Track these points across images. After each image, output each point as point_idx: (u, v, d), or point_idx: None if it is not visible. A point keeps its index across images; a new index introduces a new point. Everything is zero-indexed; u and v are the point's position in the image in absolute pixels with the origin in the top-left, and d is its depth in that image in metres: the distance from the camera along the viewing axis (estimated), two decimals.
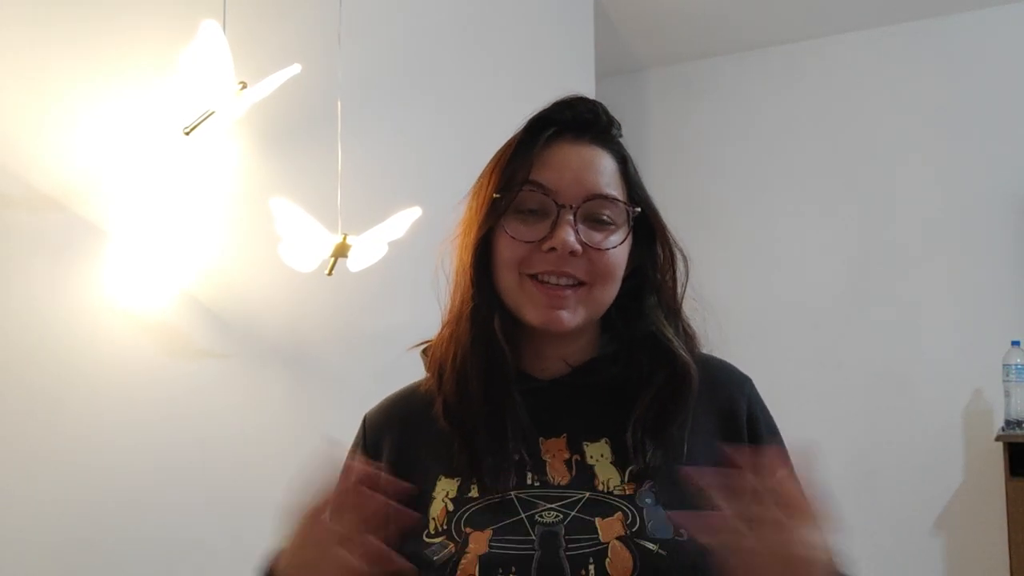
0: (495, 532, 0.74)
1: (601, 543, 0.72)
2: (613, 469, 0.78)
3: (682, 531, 0.72)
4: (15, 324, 1.25)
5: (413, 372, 1.30)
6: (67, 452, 1.31)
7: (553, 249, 0.78)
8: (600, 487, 0.76)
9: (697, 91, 3.82)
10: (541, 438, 0.80)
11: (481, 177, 0.86)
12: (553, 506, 0.75)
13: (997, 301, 3.21)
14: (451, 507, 0.77)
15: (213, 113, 1.31)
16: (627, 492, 0.76)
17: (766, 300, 3.48)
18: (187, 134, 1.31)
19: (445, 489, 0.79)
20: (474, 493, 0.77)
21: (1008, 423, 2.96)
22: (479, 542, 0.73)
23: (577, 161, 0.82)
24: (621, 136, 0.87)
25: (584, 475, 0.77)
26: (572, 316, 0.80)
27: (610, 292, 0.82)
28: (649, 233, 0.85)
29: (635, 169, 0.86)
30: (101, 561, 1.34)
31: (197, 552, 1.50)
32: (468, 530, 0.75)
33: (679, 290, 0.87)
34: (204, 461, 1.52)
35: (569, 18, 3.05)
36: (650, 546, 0.72)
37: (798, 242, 3.52)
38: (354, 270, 1.54)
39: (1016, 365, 2.98)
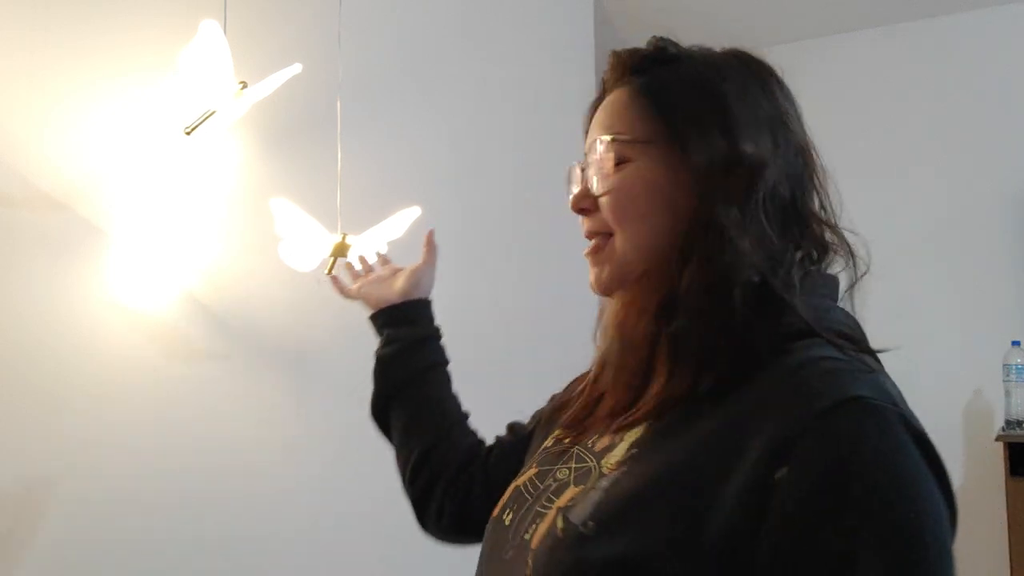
0: (537, 473, 0.76)
1: (553, 508, 0.69)
2: (624, 450, 0.68)
3: (589, 523, 0.62)
4: (16, 324, 1.25)
5: None
6: (67, 451, 1.31)
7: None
8: (603, 461, 0.69)
9: None
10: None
11: None
12: (572, 465, 0.72)
13: (997, 301, 3.22)
14: (550, 443, 0.80)
15: (213, 113, 1.31)
16: (605, 471, 0.67)
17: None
18: (188, 134, 1.31)
19: (556, 432, 0.81)
20: (568, 437, 0.78)
21: (1008, 423, 2.97)
22: (526, 476, 0.77)
23: (598, 117, 0.77)
24: (663, 55, 0.74)
25: (610, 448, 0.71)
26: (599, 273, 0.74)
27: (634, 233, 0.71)
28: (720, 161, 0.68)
29: (682, 83, 0.71)
30: (100, 561, 1.34)
31: (196, 551, 1.50)
32: (533, 464, 0.78)
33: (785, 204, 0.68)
34: (204, 460, 1.52)
35: (569, 18, 3.05)
36: (560, 524, 0.65)
37: None
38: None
39: (1016, 365, 2.98)
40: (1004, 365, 3.02)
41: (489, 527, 0.77)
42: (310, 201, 1.47)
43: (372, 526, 1.89)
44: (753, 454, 0.56)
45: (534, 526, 0.68)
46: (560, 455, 0.75)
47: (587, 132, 0.79)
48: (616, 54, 0.77)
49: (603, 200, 0.73)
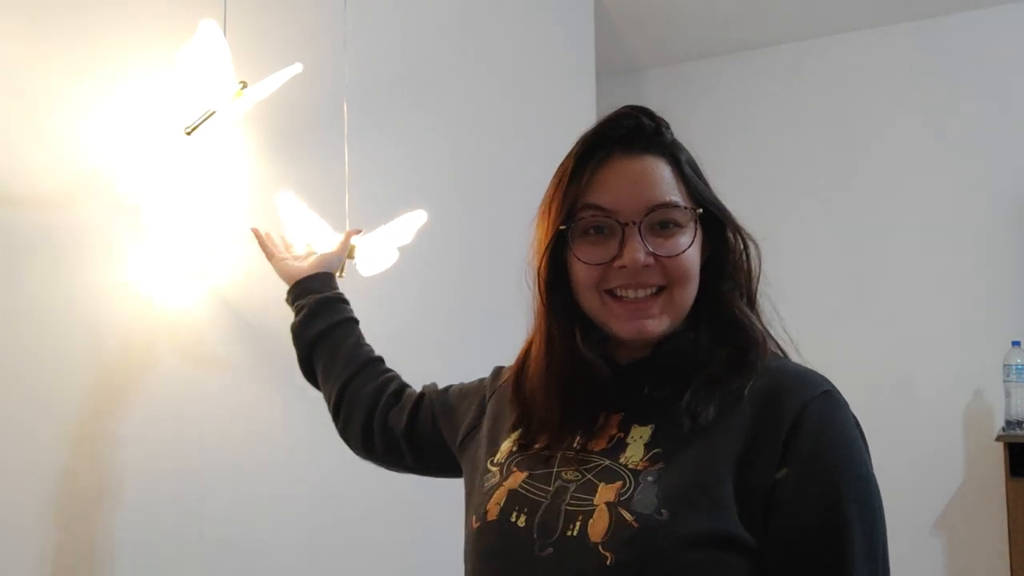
0: (529, 476, 0.84)
1: (593, 505, 0.77)
2: (643, 449, 0.81)
3: (663, 511, 0.75)
4: (17, 323, 1.25)
5: (415, 371, 1.30)
6: (70, 453, 1.31)
7: (625, 267, 0.82)
8: (622, 460, 0.80)
9: (697, 91, 3.82)
10: (604, 412, 0.86)
11: (542, 204, 0.90)
12: (576, 467, 0.82)
13: (997, 301, 3.22)
14: (515, 448, 0.89)
15: (214, 113, 1.31)
16: (638, 468, 0.79)
17: (764, 299, 3.48)
18: (188, 134, 1.31)
19: (514, 436, 0.91)
20: (540, 444, 0.87)
21: (1008, 423, 2.97)
22: (515, 480, 0.85)
23: (631, 175, 0.84)
24: (671, 136, 0.88)
25: (617, 449, 0.82)
26: (658, 323, 0.84)
27: (690, 292, 0.86)
28: (718, 224, 0.88)
29: (691, 165, 0.88)
30: (101, 561, 1.34)
31: (196, 552, 1.50)
32: (514, 469, 0.86)
33: (754, 275, 0.90)
34: (207, 461, 1.52)
35: (569, 18, 3.05)
36: (627, 516, 0.75)
37: (798, 242, 3.52)
38: (365, 275, 1.53)
39: (1016, 365, 2.99)
40: (1004, 365, 3.02)
41: (493, 528, 0.83)
42: (318, 203, 1.47)
43: (375, 525, 1.89)
44: (772, 432, 0.77)
45: (577, 523, 0.77)
46: (548, 460, 0.85)
47: (582, 176, 0.85)
48: (645, 114, 0.87)
49: (674, 259, 0.83)
